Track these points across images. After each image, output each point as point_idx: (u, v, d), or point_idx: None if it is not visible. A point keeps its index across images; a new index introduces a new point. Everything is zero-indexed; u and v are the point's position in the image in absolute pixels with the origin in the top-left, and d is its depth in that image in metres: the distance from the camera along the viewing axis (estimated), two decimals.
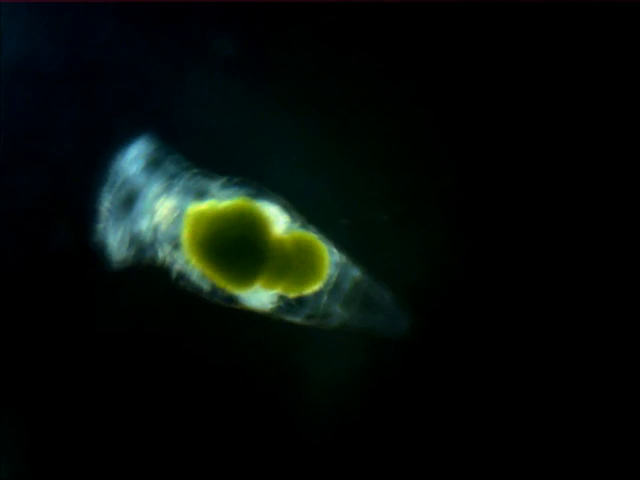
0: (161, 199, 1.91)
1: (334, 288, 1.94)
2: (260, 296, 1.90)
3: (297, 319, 1.95)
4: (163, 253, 1.91)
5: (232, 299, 1.91)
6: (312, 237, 1.94)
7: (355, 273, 1.97)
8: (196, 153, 1.99)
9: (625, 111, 2.05)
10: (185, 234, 1.88)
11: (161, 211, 1.90)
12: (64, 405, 2.05)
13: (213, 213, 1.88)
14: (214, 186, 1.94)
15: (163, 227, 1.90)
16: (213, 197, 1.92)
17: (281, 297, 1.92)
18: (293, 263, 1.89)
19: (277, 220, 1.92)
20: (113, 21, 2.09)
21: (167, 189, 1.92)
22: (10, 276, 2.06)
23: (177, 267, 1.90)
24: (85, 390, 2.05)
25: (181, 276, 1.90)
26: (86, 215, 1.94)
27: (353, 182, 2.08)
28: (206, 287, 1.90)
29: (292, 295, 1.92)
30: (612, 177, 2.05)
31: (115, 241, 1.91)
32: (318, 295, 1.93)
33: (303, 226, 1.95)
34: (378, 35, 2.09)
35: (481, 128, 2.08)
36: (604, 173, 2.05)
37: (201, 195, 1.92)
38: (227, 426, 2.05)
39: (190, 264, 1.88)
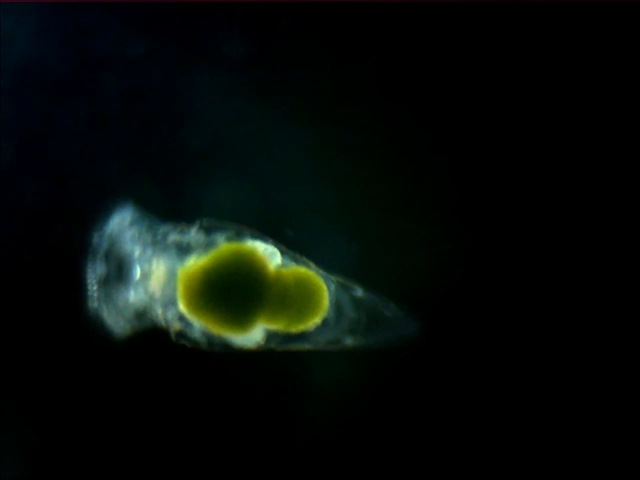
0: (149, 265, 1.90)
1: (337, 315, 1.94)
2: (257, 335, 1.89)
3: (306, 346, 1.96)
4: (162, 315, 1.90)
5: (233, 345, 1.90)
6: (307, 270, 1.93)
7: (356, 293, 1.97)
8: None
9: (625, 111, 2.05)
10: (181, 293, 1.86)
11: (152, 277, 1.89)
12: (64, 406, 2.04)
13: (204, 265, 1.86)
14: (195, 236, 1.92)
15: (158, 292, 1.88)
16: (198, 248, 1.90)
17: (283, 335, 1.92)
18: (291, 299, 1.88)
19: (268, 255, 1.91)
20: (116, 21, 2.10)
21: (152, 254, 1.90)
22: (12, 276, 2.06)
23: (177, 325, 1.89)
24: (85, 392, 2.04)
25: (182, 334, 1.90)
26: (89, 217, 1.95)
27: (343, 193, 2.09)
28: (207, 338, 1.89)
29: (294, 331, 1.91)
30: (611, 177, 2.05)
31: (112, 315, 1.90)
32: (321, 326, 1.93)
33: (293, 258, 1.95)
34: (386, 38, 2.09)
35: (479, 130, 2.08)
36: (603, 173, 2.05)
37: (186, 249, 1.90)
38: (228, 431, 2.06)
39: (189, 319, 1.87)
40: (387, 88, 2.09)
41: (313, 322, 1.90)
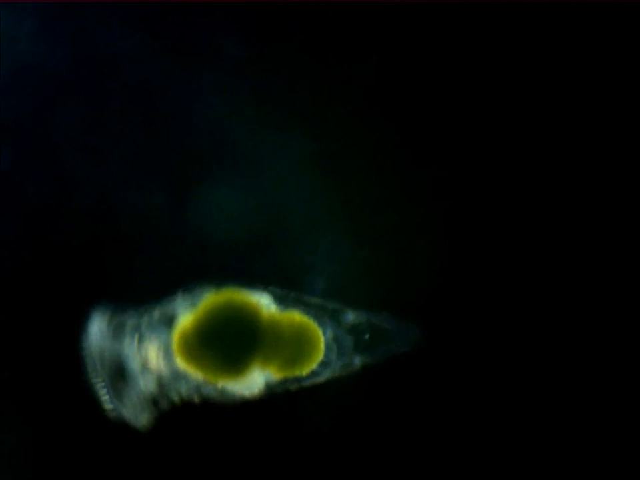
0: (142, 351, 1.91)
1: (338, 350, 1.96)
2: (257, 382, 1.91)
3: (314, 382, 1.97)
4: (178, 390, 1.92)
5: (236, 395, 1.91)
6: (301, 317, 1.93)
7: (347, 319, 1.98)
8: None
9: (625, 111, 2.05)
10: (177, 349, 1.88)
11: (150, 360, 1.91)
12: (65, 407, 2.04)
13: (195, 319, 1.89)
14: (178, 304, 1.93)
15: (161, 369, 1.91)
16: (183, 313, 1.91)
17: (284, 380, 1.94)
18: (285, 344, 1.90)
19: (260, 301, 1.92)
20: (117, 21, 2.11)
21: (141, 339, 1.92)
22: (14, 276, 2.07)
23: (192, 391, 1.92)
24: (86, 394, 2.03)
25: (195, 394, 1.92)
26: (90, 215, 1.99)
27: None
28: (216, 392, 1.91)
29: (290, 375, 1.93)
30: (609, 176, 2.05)
31: (130, 412, 1.91)
32: (322, 366, 1.95)
33: (286, 298, 1.96)
34: (386, 38, 2.10)
35: (480, 130, 2.09)
36: (602, 173, 2.05)
37: (172, 318, 1.92)
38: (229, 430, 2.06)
39: (200, 380, 1.90)
40: (387, 87, 2.10)
41: (308, 367, 1.92)
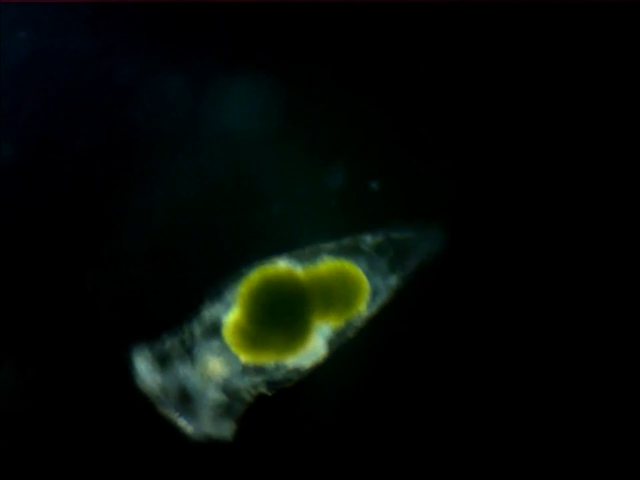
0: (200, 363, 1.91)
1: (376, 274, 1.98)
2: (319, 345, 1.93)
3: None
4: (249, 387, 1.92)
5: (306, 366, 1.93)
6: (334, 260, 1.95)
7: (367, 242, 2.00)
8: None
9: (625, 111, 2.06)
10: (244, 352, 1.89)
11: (211, 369, 1.91)
12: (65, 408, 2.03)
13: (240, 311, 1.90)
14: (213, 309, 1.93)
15: (226, 374, 1.90)
16: (223, 313, 1.92)
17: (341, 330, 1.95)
18: (334, 290, 1.92)
19: (289, 266, 1.94)
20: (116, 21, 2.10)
21: (192, 354, 1.92)
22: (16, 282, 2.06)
23: (263, 382, 1.93)
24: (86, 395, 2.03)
25: (267, 385, 1.93)
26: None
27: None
28: (288, 372, 1.92)
29: (349, 318, 1.94)
30: (608, 176, 2.07)
31: (211, 428, 1.91)
32: (372, 294, 1.97)
33: (300, 259, 1.96)
34: (387, 38, 2.11)
35: (480, 131, 2.10)
36: (601, 173, 2.07)
37: (212, 324, 1.92)
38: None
39: (270, 365, 1.91)
40: (387, 87, 2.11)
41: (363, 301, 1.95)
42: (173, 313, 1.94)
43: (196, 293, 1.94)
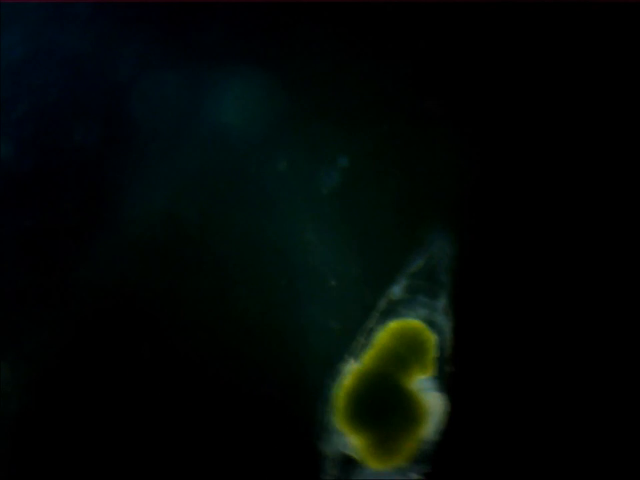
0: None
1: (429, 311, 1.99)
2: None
3: None
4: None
5: None
6: (385, 330, 1.94)
7: (395, 290, 2.00)
8: None
9: (625, 111, 2.05)
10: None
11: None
12: (66, 409, 2.05)
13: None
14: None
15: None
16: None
17: None
18: (404, 351, 1.91)
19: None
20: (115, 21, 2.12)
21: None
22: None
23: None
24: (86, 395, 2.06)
25: None
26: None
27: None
28: None
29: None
30: (608, 176, 2.06)
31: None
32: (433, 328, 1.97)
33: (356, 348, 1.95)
34: (388, 38, 2.11)
35: (481, 130, 2.10)
36: (601, 173, 2.07)
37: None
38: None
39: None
40: (388, 88, 2.12)
41: (432, 347, 1.94)
42: (173, 312, 1.97)
43: (194, 293, 1.97)
